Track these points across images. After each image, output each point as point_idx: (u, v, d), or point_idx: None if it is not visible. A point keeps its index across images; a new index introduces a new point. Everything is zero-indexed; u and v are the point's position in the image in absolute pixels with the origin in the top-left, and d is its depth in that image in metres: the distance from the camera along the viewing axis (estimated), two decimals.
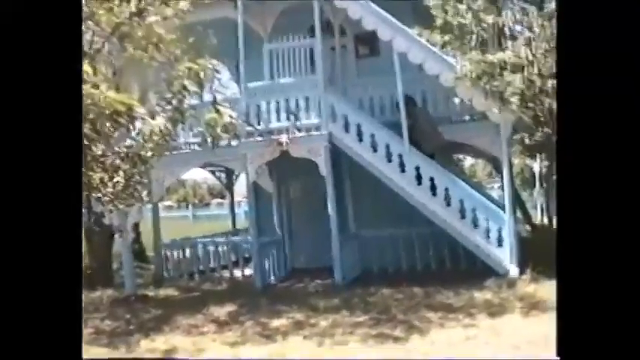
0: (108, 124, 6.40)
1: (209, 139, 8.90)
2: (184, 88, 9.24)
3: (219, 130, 8.72)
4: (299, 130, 16.72)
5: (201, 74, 9.21)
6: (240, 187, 24.13)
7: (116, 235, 17.69)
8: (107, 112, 5.81)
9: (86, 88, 5.69)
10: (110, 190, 9.00)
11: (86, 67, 5.41)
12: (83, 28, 9.09)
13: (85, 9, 8.04)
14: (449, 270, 16.73)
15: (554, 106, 13.93)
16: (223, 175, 24.45)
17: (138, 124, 8.68)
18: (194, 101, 10.25)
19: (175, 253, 19.57)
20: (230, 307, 14.66)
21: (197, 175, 47.33)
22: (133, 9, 8.33)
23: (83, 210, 17.84)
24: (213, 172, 24.53)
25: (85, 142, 6.57)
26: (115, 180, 8.93)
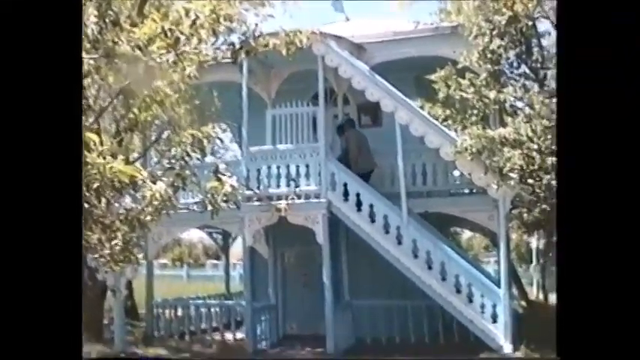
0: (109, 191, 6.42)
1: (209, 207, 8.89)
2: (187, 154, 9.30)
3: (219, 199, 8.73)
4: (298, 196, 16.74)
5: (205, 142, 9.27)
6: (236, 249, 24.12)
7: (109, 293, 17.61)
8: (111, 181, 5.83)
9: (92, 157, 5.71)
10: (107, 251, 8.98)
11: (92, 135, 5.43)
12: (89, 80, 9.19)
13: (90, 62, 8.09)
14: (442, 343, 16.59)
15: (554, 182, 14.02)
16: (220, 237, 24.39)
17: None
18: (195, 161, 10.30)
19: (167, 312, 19.43)
20: None
21: (193, 235, 47.10)
22: (141, 71, 8.38)
23: None
24: (210, 234, 24.49)
25: (87, 206, 6.58)
26: (113, 242, 8.90)
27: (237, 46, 9.64)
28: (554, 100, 14.19)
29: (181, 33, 7.42)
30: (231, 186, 8.79)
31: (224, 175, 8.84)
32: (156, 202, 8.55)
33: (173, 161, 9.56)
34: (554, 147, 14.03)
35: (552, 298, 29.77)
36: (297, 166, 17.00)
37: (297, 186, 16.84)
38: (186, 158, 9.34)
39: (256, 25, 10.09)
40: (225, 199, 8.77)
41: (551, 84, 15.66)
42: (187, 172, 9.38)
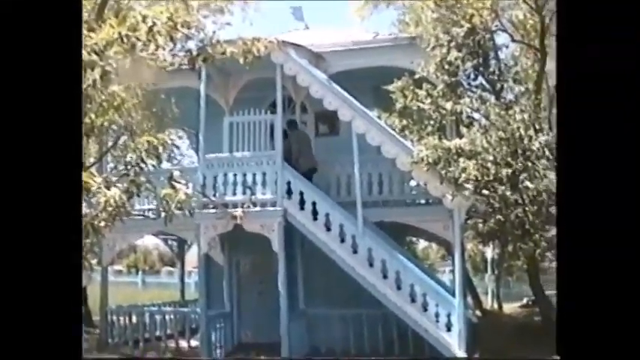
0: None
1: (163, 214, 8.85)
2: (142, 160, 9.25)
3: (173, 206, 8.70)
4: (254, 204, 16.68)
5: (160, 149, 9.24)
6: (192, 256, 24.00)
7: None
8: None
9: None
10: None
11: None
12: None
13: None
14: (397, 353, 16.63)
15: (508, 193, 14.17)
16: (175, 244, 24.26)
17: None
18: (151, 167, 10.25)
19: (121, 319, 19.24)
20: None
21: (148, 241, 46.83)
22: (97, 76, 8.32)
23: None
24: (165, 240, 24.35)
25: None
26: None
27: (195, 53, 9.63)
28: (510, 111, 14.39)
29: (138, 39, 7.40)
30: (185, 193, 8.77)
31: (178, 182, 8.82)
32: (110, 208, 8.50)
33: (128, 167, 9.51)
34: (509, 158, 14.19)
35: (507, 307, 30.10)
36: (254, 174, 16.92)
37: (253, 194, 16.79)
38: (142, 165, 9.31)
39: (214, 32, 10.09)
40: (179, 206, 8.74)
41: (508, 96, 15.86)
42: (142, 178, 9.33)
